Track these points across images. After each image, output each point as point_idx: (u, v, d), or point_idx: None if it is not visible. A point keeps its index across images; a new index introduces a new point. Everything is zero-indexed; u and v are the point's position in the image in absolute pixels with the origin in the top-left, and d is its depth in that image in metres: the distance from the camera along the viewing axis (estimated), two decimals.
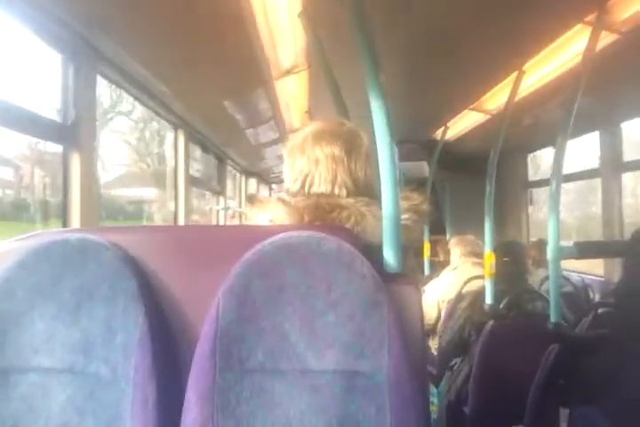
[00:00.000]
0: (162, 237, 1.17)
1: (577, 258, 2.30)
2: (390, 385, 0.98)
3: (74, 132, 2.00)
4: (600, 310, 2.40)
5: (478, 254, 3.42)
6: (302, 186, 1.31)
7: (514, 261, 2.90)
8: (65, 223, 1.96)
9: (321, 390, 0.99)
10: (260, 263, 1.03)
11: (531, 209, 5.18)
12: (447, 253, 3.99)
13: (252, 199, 1.32)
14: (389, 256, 1.14)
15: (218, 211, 5.24)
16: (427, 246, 4.69)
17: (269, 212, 1.24)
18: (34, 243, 1.09)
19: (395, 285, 1.08)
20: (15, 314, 1.06)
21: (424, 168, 5.30)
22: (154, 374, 1.01)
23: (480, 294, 2.89)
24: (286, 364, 1.00)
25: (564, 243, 2.23)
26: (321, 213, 1.21)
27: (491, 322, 2.49)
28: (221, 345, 1.00)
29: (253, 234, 1.10)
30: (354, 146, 1.33)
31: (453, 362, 2.91)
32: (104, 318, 1.05)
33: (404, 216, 1.21)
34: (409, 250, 1.28)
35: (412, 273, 1.19)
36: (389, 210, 1.15)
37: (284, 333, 1.01)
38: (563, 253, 2.18)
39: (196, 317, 1.06)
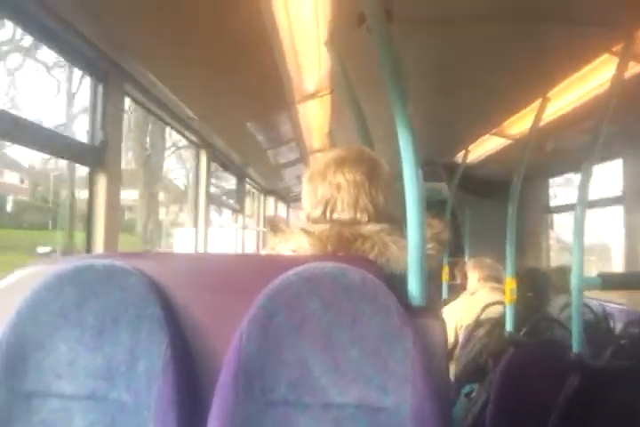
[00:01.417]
0: (187, 265, 1.17)
1: (601, 289, 2.27)
2: (414, 421, 0.97)
3: (101, 153, 2.03)
4: (622, 342, 2.37)
5: (497, 279, 3.38)
6: (324, 212, 1.31)
7: (535, 289, 2.88)
8: (88, 247, 1.98)
9: (344, 425, 0.98)
10: (283, 294, 1.03)
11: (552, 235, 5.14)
12: (464, 276, 3.96)
13: (273, 227, 1.32)
14: (414, 288, 1.13)
15: (236, 229, 5.26)
16: (445, 270, 4.67)
17: (292, 242, 1.24)
18: (60, 267, 1.10)
19: (420, 318, 1.07)
20: (39, 338, 1.06)
21: (443, 189, 5.29)
22: (176, 403, 1.01)
23: (498, 321, 2.86)
24: (309, 397, 1.00)
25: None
26: (344, 243, 1.21)
27: (511, 350, 2.45)
28: (244, 376, 1.00)
29: (277, 264, 1.11)
30: (375, 172, 1.34)
31: (469, 389, 2.87)
32: (128, 344, 1.05)
33: (428, 246, 1.21)
34: (431, 277, 1.28)
35: (434, 302, 1.19)
36: (416, 243, 1.14)
37: (307, 365, 1.00)
38: (587, 284, 2.16)
39: (220, 346, 1.06)
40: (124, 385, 1.04)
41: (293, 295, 1.02)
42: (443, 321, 1.12)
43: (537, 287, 2.88)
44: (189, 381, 1.05)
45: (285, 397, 1.00)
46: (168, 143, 13.45)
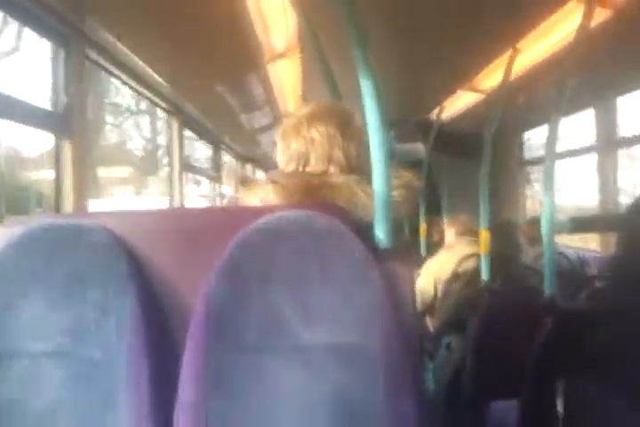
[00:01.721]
0: (153, 221, 1.17)
1: (571, 232, 2.31)
2: (383, 358, 0.99)
3: (65, 119, 2.00)
4: (597, 284, 2.41)
5: (473, 232, 3.43)
6: (297, 166, 1.32)
7: (506, 241, 2.92)
8: (57, 209, 1.97)
9: (314, 365, 1.00)
10: (250, 243, 1.03)
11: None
12: (442, 234, 4.01)
13: (244, 181, 1.33)
14: (381, 233, 1.14)
15: (214, 197, 5.24)
16: (423, 227, 4.71)
17: (260, 192, 1.25)
18: (26, 227, 1.09)
19: (386, 261, 1.08)
20: (7, 298, 1.06)
21: (420, 149, 5.29)
22: (147, 356, 1.02)
23: (475, 272, 2.91)
24: (279, 341, 1.01)
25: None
26: (311, 192, 1.21)
27: (487, 298, 2.50)
28: (214, 325, 1.00)
29: (244, 215, 1.11)
30: (347, 125, 1.34)
31: (448, 340, 2.93)
32: (97, 301, 1.05)
33: (395, 193, 1.22)
34: (403, 226, 1.29)
35: (406, 249, 1.20)
36: (381, 189, 1.15)
37: (276, 310, 1.01)
38: (557, 228, 2.19)
39: (189, 298, 1.07)
40: (95, 342, 1.04)
41: (260, 244, 1.03)
42: (409, 262, 1.14)
43: (508, 238, 2.93)
44: (160, 334, 1.06)
45: (256, 342, 1.01)
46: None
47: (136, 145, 13.12)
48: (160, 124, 12.49)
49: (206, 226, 1.14)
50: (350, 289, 1.01)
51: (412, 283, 1.12)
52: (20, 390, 1.04)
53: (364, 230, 1.10)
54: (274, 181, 1.25)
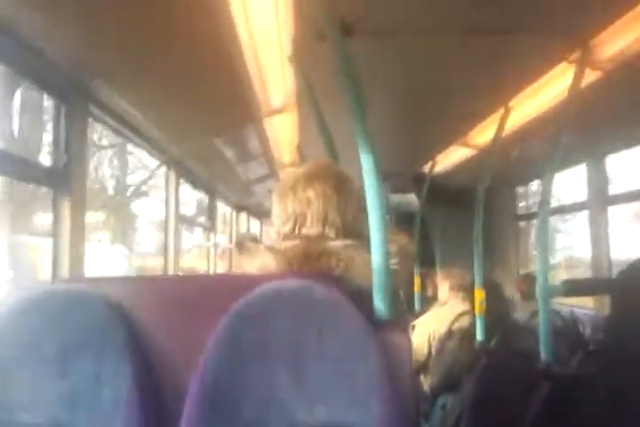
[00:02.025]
0: (150, 288, 1.16)
1: (565, 296, 2.30)
2: None
3: (65, 175, 2.00)
4: (590, 347, 2.39)
5: (467, 288, 3.42)
6: (293, 227, 1.31)
7: (495, 299, 2.92)
8: (55, 270, 1.94)
9: None
10: (248, 314, 1.02)
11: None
12: (436, 286, 3.99)
13: (240, 246, 1.32)
14: (379, 304, 1.13)
15: (208, 247, 5.22)
16: (417, 281, 4.68)
17: (258, 260, 1.24)
18: (21, 296, 1.08)
19: (385, 332, 1.07)
20: (1, 367, 1.04)
21: (413, 200, 5.32)
22: None
23: (467, 331, 2.88)
24: (276, 418, 0.99)
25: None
26: (310, 260, 1.21)
27: (483, 360, 2.47)
28: (211, 399, 0.98)
29: (242, 283, 1.10)
30: (343, 186, 1.35)
31: (443, 400, 2.88)
32: (92, 372, 1.03)
33: (393, 261, 1.21)
34: (398, 291, 1.28)
35: (400, 315, 1.19)
36: (378, 258, 1.15)
37: (273, 386, 0.99)
38: (552, 292, 2.18)
39: (186, 369, 1.05)
40: (90, 413, 1.02)
41: (258, 315, 1.02)
42: (408, 334, 1.13)
43: (495, 298, 2.92)
44: (156, 406, 1.04)
45: (253, 419, 0.98)
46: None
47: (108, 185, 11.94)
48: (132, 161, 11.58)
49: (205, 294, 1.13)
50: (348, 363, 0.99)
51: (410, 351, 1.11)
52: None
53: (361, 300, 1.09)
54: (271, 249, 1.25)
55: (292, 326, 1.01)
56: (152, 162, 3.99)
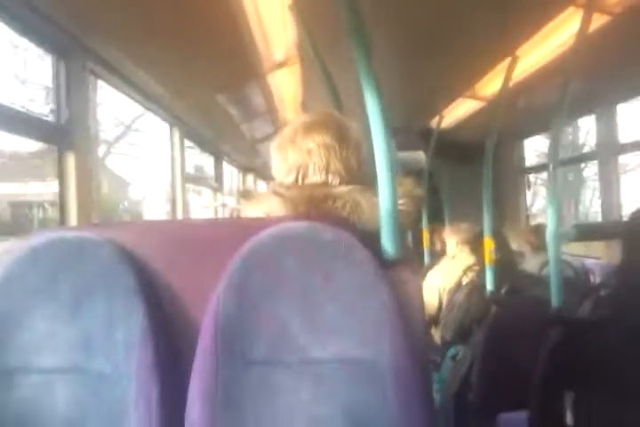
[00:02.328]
0: (158, 233, 1.16)
1: (576, 241, 2.29)
2: (393, 372, 0.98)
3: (68, 132, 2.00)
4: (601, 293, 2.40)
5: (474, 242, 3.44)
6: (296, 178, 1.31)
7: (503, 250, 2.93)
8: (62, 222, 1.96)
9: (324, 380, 0.99)
10: (257, 256, 1.03)
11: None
12: (444, 242, 4.00)
13: (246, 194, 1.32)
14: (388, 243, 1.13)
15: (216, 207, 5.23)
16: (426, 236, 4.70)
17: (264, 205, 1.24)
18: (31, 242, 1.09)
19: (394, 271, 1.08)
20: (15, 314, 1.05)
21: (421, 157, 5.30)
22: (156, 370, 1.01)
23: (476, 283, 2.90)
24: (288, 355, 1.00)
25: None
26: (316, 204, 1.21)
27: (493, 309, 2.49)
28: (223, 339, 1.00)
29: (250, 227, 1.10)
30: (344, 134, 1.33)
31: (454, 351, 2.91)
32: (104, 315, 1.05)
33: (400, 202, 1.21)
34: (406, 235, 1.28)
35: (408, 257, 1.19)
36: (387, 198, 1.14)
37: (284, 324, 1.01)
38: (562, 236, 2.18)
39: (197, 311, 1.06)
40: (104, 356, 1.04)
41: (267, 256, 1.02)
42: (416, 273, 1.13)
43: (499, 246, 2.93)
44: (168, 347, 1.05)
45: (265, 356, 1.00)
46: None
47: None
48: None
49: (213, 237, 1.14)
50: (359, 301, 1.01)
51: (420, 291, 1.11)
52: (31, 405, 1.03)
53: (369, 240, 1.09)
54: (277, 193, 1.24)
55: (301, 266, 1.02)
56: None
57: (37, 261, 1.07)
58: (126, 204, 14.62)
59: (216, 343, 1.00)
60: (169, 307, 1.09)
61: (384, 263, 1.07)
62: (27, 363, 1.05)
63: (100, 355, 1.04)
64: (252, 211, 1.27)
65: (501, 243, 2.94)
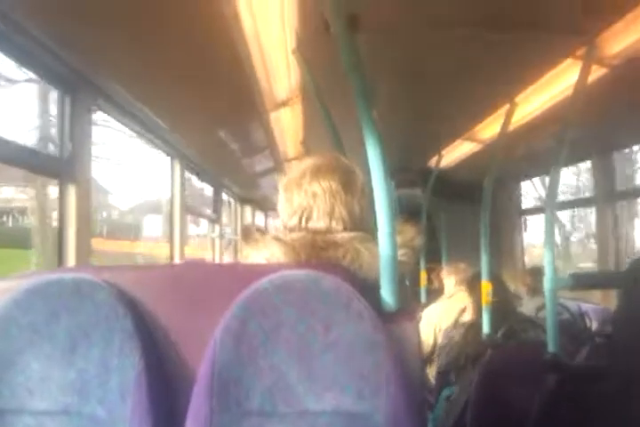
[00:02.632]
0: (157, 276, 1.16)
1: (573, 289, 2.29)
2: (388, 426, 0.97)
3: (70, 166, 2.01)
4: (597, 340, 2.39)
5: (470, 282, 3.44)
6: (300, 220, 1.31)
7: (500, 293, 2.93)
8: (60, 259, 1.96)
9: None
10: (256, 302, 1.02)
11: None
12: (442, 281, 4.00)
13: (247, 237, 1.32)
14: (387, 295, 1.13)
15: (213, 239, 5.23)
16: (423, 275, 4.69)
17: (265, 250, 1.24)
18: (29, 282, 1.09)
19: (393, 324, 1.07)
20: (10, 354, 1.05)
21: (418, 196, 5.32)
22: (150, 416, 1.00)
23: (472, 323, 2.89)
24: (284, 406, 0.99)
25: None
26: (317, 251, 1.21)
27: (489, 351, 2.47)
28: (219, 386, 0.99)
29: (250, 272, 1.10)
30: (350, 180, 1.33)
31: (448, 392, 2.88)
32: (100, 358, 1.04)
33: (400, 252, 1.21)
34: (405, 281, 1.28)
35: (408, 306, 1.19)
36: (387, 250, 1.14)
37: (281, 374, 1.00)
38: (559, 284, 2.18)
39: (194, 357, 1.05)
40: (98, 399, 1.03)
41: (266, 304, 1.02)
42: (416, 324, 1.13)
43: (495, 290, 2.93)
44: (163, 393, 1.04)
45: (261, 406, 0.99)
46: None
47: None
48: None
49: (212, 282, 1.14)
50: (356, 353, 1.00)
51: (419, 342, 1.11)
52: None
53: (369, 291, 1.09)
54: (279, 239, 1.24)
55: (300, 315, 1.01)
56: None
57: (34, 301, 1.06)
58: (104, 214, 14.31)
59: (212, 390, 0.99)
60: (165, 351, 1.08)
61: (383, 315, 1.06)
62: (20, 405, 1.04)
63: (94, 399, 1.03)
64: (252, 255, 1.27)
65: (499, 286, 2.95)
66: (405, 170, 4.83)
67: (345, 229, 1.28)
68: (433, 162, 4.59)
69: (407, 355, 1.06)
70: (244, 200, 6.82)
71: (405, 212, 1.39)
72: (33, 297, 1.06)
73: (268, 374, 1.00)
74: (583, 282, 2.20)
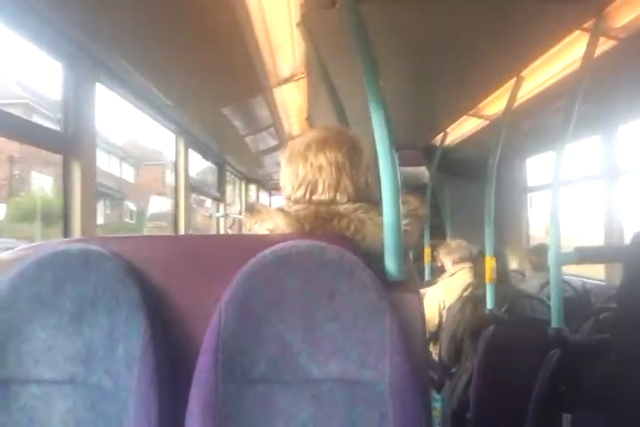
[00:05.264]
0: (163, 247, 1.17)
1: (578, 263, 2.29)
2: (392, 394, 0.98)
3: (74, 141, 2.00)
4: (601, 316, 2.40)
5: (469, 259, 3.47)
6: (304, 193, 1.31)
7: (501, 269, 2.94)
8: (66, 232, 1.97)
9: (323, 400, 0.99)
10: (261, 273, 1.03)
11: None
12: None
13: (251, 209, 1.32)
14: (391, 264, 1.13)
15: (217, 218, 5.23)
16: (427, 252, 4.69)
17: (269, 222, 1.24)
18: (36, 253, 1.09)
19: (396, 293, 1.08)
20: (17, 324, 1.05)
21: (424, 174, 5.30)
22: (156, 385, 1.01)
23: (470, 299, 2.90)
24: (289, 374, 1.00)
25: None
26: (321, 222, 1.21)
27: (491, 327, 2.48)
28: (223, 356, 1.00)
29: (255, 243, 1.11)
30: (356, 153, 1.33)
31: (453, 370, 2.91)
32: (106, 328, 1.05)
33: (404, 222, 1.21)
34: (408, 253, 1.29)
35: (411, 277, 1.19)
36: (391, 219, 1.14)
37: (286, 342, 1.01)
38: (564, 259, 2.18)
39: (199, 326, 1.06)
40: (104, 369, 1.04)
41: (270, 274, 1.03)
42: (419, 295, 1.13)
43: (501, 268, 2.93)
44: (169, 363, 1.05)
45: (265, 374, 1.00)
46: None
47: None
48: None
49: (217, 253, 1.14)
50: (360, 322, 1.01)
51: (422, 313, 1.11)
52: (28, 417, 1.03)
53: (373, 261, 1.09)
54: (282, 211, 1.24)
55: (304, 284, 1.02)
56: None
57: (42, 272, 1.07)
58: None
59: (216, 359, 1.00)
60: (171, 321, 1.09)
61: (387, 284, 1.07)
62: (26, 374, 1.05)
63: (100, 368, 1.04)
64: (256, 227, 1.27)
65: (500, 262, 2.94)
66: (410, 147, 4.81)
67: (349, 201, 1.28)
68: (438, 139, 4.56)
69: (410, 324, 1.06)
70: (248, 179, 6.81)
71: (410, 189, 1.39)
72: (40, 268, 1.07)
73: (273, 344, 1.01)
74: (588, 256, 2.20)
